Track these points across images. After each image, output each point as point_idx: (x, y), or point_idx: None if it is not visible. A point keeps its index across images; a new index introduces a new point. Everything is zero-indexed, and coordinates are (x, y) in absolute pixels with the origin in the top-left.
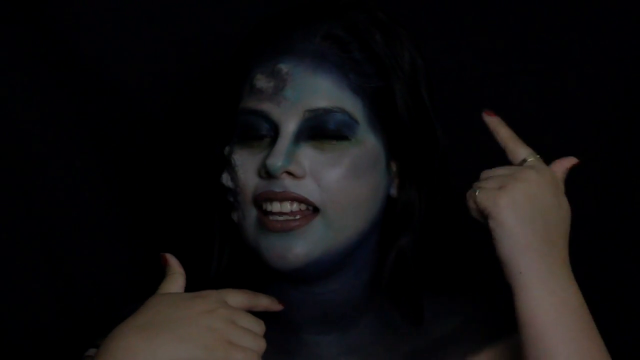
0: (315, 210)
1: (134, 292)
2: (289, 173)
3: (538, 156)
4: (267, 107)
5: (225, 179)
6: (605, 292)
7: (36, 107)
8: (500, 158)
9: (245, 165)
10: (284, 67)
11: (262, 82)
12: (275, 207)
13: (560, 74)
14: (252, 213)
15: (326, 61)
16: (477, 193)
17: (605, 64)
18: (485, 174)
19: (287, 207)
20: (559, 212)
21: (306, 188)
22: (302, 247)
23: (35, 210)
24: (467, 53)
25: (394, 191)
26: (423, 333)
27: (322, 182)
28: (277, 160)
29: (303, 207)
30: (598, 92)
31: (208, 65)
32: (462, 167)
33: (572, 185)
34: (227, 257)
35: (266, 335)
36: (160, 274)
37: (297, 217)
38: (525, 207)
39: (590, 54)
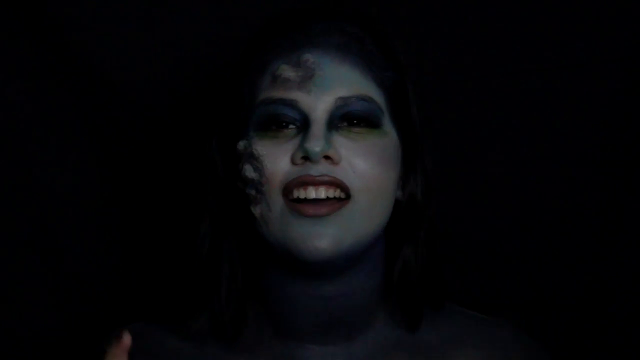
0: (347, 197)
1: (134, 292)
2: (327, 158)
3: None
4: (296, 95)
5: (248, 170)
6: (605, 292)
7: (36, 107)
8: (499, 158)
9: (272, 154)
10: (310, 57)
11: (288, 72)
12: (310, 193)
13: (560, 74)
14: (278, 203)
15: (351, 53)
16: None
17: (605, 64)
18: None
19: (322, 193)
20: None
21: (343, 172)
22: (335, 233)
23: (34, 210)
24: (467, 53)
25: (398, 192)
26: (428, 345)
27: (357, 168)
28: (317, 144)
29: (337, 193)
30: (598, 92)
31: (207, 65)
32: (463, 167)
33: (573, 185)
34: (234, 255)
35: (270, 347)
36: (160, 274)
37: (330, 203)
38: None
39: (590, 54)
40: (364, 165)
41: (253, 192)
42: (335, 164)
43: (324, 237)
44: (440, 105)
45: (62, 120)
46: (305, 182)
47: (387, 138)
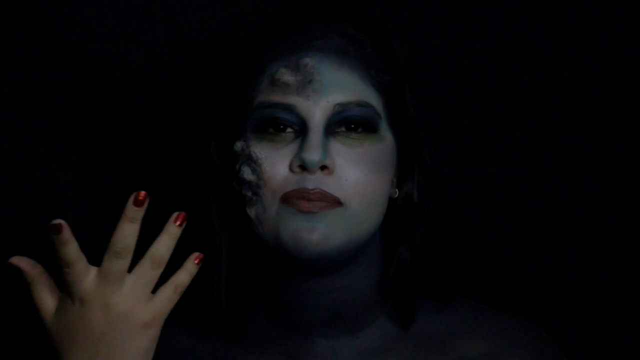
0: (339, 202)
1: None
2: (323, 167)
3: None
4: (294, 100)
5: (246, 172)
6: (605, 292)
7: (36, 107)
8: (497, 157)
9: (271, 158)
10: (310, 61)
11: (287, 75)
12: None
13: (559, 74)
14: (274, 206)
15: (349, 57)
16: None
17: (605, 64)
18: None
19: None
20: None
21: (336, 184)
22: (326, 230)
23: (34, 210)
24: (467, 53)
25: (392, 190)
26: (434, 337)
27: (351, 177)
28: (314, 154)
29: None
30: (598, 92)
31: (206, 64)
32: (462, 166)
33: (573, 184)
34: (234, 253)
35: (279, 342)
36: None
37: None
38: None
39: (590, 54)
40: (358, 173)
41: (249, 194)
42: (329, 174)
43: (314, 232)
44: (440, 105)
45: (63, 120)
46: (301, 197)
47: (383, 142)
